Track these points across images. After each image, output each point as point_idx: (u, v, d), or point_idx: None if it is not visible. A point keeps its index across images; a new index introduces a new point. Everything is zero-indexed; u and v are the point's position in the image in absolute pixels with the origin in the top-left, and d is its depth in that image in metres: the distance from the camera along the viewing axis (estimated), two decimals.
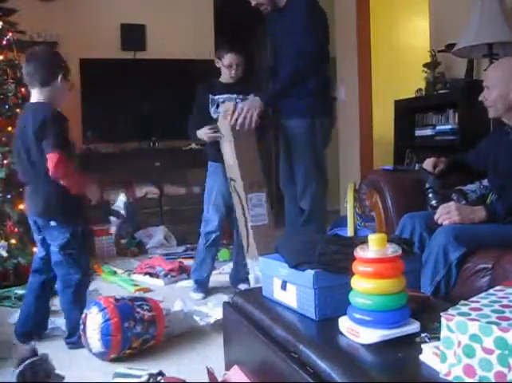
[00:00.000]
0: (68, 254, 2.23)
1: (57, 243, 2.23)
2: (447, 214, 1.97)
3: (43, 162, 2.14)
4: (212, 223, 2.97)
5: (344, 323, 1.28)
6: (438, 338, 1.07)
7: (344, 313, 1.29)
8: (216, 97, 2.96)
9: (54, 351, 2.25)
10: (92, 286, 2.86)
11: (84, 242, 2.32)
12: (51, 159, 2.12)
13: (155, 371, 1.82)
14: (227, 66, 2.95)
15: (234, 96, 2.95)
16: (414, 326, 1.24)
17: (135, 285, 3.17)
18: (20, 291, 2.83)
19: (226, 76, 2.99)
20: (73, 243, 2.23)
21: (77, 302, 2.25)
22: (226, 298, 2.30)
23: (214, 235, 2.99)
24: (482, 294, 1.14)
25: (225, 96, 2.95)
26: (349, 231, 1.67)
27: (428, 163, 2.33)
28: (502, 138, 2.19)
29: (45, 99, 2.27)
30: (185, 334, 2.38)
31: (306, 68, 2.74)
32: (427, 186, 2.21)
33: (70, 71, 2.41)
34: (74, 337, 2.24)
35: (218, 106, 2.95)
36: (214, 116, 2.94)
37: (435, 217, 2.01)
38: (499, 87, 2.08)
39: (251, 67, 6.23)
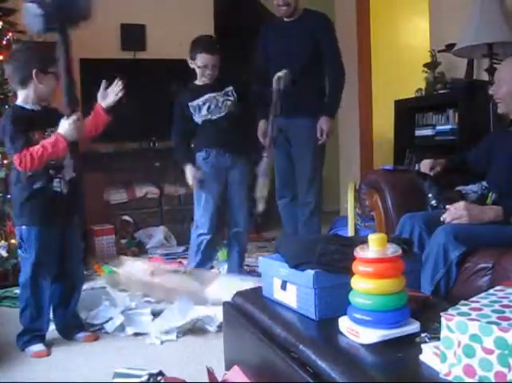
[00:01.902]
0: (20, 255, 2.28)
1: None
2: (455, 213, 1.97)
3: None
4: (203, 226, 2.97)
5: (344, 323, 1.28)
6: (438, 338, 1.07)
7: (344, 313, 1.29)
8: (195, 103, 2.93)
9: (54, 351, 2.26)
10: (96, 284, 2.88)
11: (30, 247, 2.21)
12: (15, 162, 2.13)
13: (155, 371, 1.82)
14: (202, 67, 2.89)
15: (214, 94, 2.92)
16: (414, 326, 1.24)
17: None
18: (20, 291, 2.82)
19: (202, 78, 2.94)
20: (22, 245, 2.23)
21: (21, 301, 2.28)
22: None
23: (204, 239, 2.99)
24: (482, 294, 1.14)
25: (204, 97, 2.92)
26: (350, 231, 1.68)
27: (425, 165, 2.32)
28: (506, 140, 2.19)
29: (24, 100, 2.24)
30: (185, 334, 2.38)
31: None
32: (425, 192, 2.21)
33: (52, 61, 2.25)
34: (24, 337, 2.25)
35: (200, 110, 2.92)
36: (199, 120, 2.93)
37: (443, 217, 2.00)
38: (508, 83, 2.10)
39: (249, 67, 6.26)
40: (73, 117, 2.15)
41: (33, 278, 2.22)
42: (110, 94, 2.41)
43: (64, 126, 2.16)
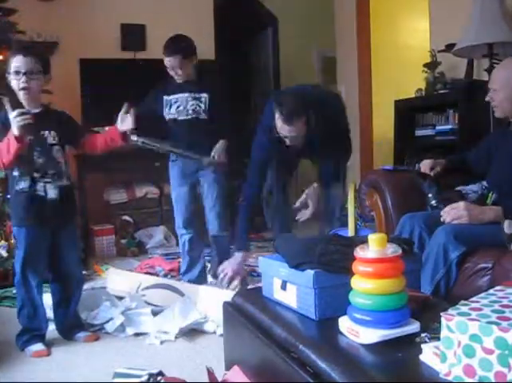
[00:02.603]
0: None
1: None
2: (455, 214, 1.97)
3: None
4: (179, 226, 3.03)
5: (344, 323, 1.28)
6: (438, 338, 1.07)
7: (344, 313, 1.29)
8: (170, 98, 2.94)
9: (54, 351, 2.26)
10: (96, 284, 2.88)
11: (20, 244, 2.25)
12: None
13: (155, 371, 1.82)
14: (167, 67, 2.88)
15: (186, 95, 2.90)
16: (414, 326, 1.24)
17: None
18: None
19: (175, 78, 2.91)
20: (16, 244, 2.29)
21: (19, 300, 2.30)
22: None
23: (185, 238, 3.04)
24: (482, 294, 1.14)
25: (177, 96, 2.91)
26: (350, 231, 1.67)
27: (425, 165, 2.32)
28: (506, 138, 2.19)
29: None
30: (185, 334, 2.38)
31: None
32: (425, 192, 2.21)
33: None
34: (23, 337, 2.26)
35: (170, 107, 2.93)
36: (167, 117, 2.93)
37: (443, 217, 2.00)
38: (505, 89, 2.09)
39: (249, 67, 6.26)
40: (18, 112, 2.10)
41: (22, 276, 2.26)
42: (129, 120, 2.42)
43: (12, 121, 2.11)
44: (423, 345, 1.13)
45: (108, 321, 2.47)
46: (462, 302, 1.08)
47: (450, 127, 3.30)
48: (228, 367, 1.74)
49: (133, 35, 4.48)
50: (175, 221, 3.13)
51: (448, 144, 3.27)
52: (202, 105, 2.90)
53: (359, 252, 1.23)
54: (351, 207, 1.68)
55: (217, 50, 4.77)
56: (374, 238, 1.22)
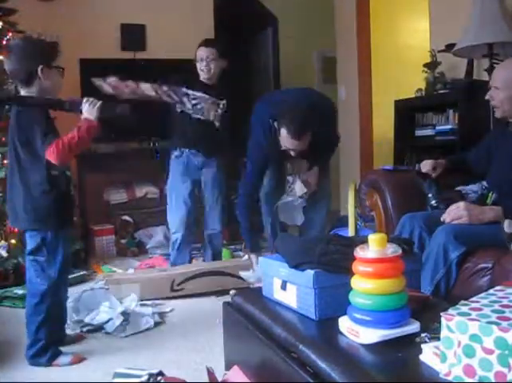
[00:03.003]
0: (36, 261, 2.07)
1: (28, 248, 2.10)
2: (455, 214, 1.97)
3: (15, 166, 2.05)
4: (174, 225, 3.03)
5: (344, 323, 1.28)
6: (438, 338, 1.07)
7: (344, 313, 1.29)
8: (190, 92, 2.91)
9: None
10: (96, 284, 2.87)
11: (56, 249, 2.08)
12: (50, 156, 2.01)
13: (155, 371, 1.82)
14: (199, 60, 2.97)
15: (207, 97, 2.92)
16: (414, 326, 1.24)
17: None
18: (20, 291, 2.82)
19: (201, 74, 2.99)
20: (43, 250, 2.07)
21: (38, 313, 2.07)
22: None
23: (177, 237, 3.05)
24: (482, 294, 1.14)
25: (198, 94, 2.91)
26: (350, 231, 1.67)
27: (427, 166, 2.32)
28: (506, 140, 2.18)
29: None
30: (185, 334, 2.38)
31: None
32: (425, 192, 2.21)
33: (57, 54, 2.12)
34: (33, 350, 2.08)
35: (188, 101, 2.90)
36: (180, 109, 2.93)
37: (443, 217, 2.00)
38: (506, 89, 2.08)
39: (249, 67, 6.26)
40: (89, 99, 2.16)
41: (56, 285, 2.10)
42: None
43: (88, 108, 2.16)
44: (423, 345, 1.13)
45: (107, 321, 2.47)
46: (462, 302, 1.08)
47: (450, 127, 3.30)
48: (228, 367, 1.74)
49: (133, 35, 4.48)
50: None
51: (448, 144, 3.27)
52: (220, 111, 2.93)
53: (359, 252, 1.23)
54: (351, 207, 1.68)
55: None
56: (374, 238, 1.22)
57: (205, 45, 2.99)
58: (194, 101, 2.91)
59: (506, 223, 1.81)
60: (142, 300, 2.76)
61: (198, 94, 2.91)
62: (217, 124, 2.94)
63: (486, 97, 2.18)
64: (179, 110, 2.95)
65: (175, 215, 3.05)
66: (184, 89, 2.91)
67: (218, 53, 2.99)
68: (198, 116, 2.93)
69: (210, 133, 2.97)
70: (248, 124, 3.44)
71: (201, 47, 3.00)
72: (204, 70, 2.97)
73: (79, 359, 2.13)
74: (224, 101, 2.92)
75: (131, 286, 2.86)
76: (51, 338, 2.10)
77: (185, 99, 2.92)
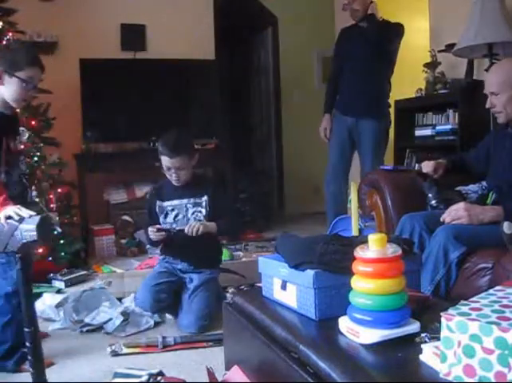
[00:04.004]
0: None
1: None
2: (455, 214, 1.97)
3: None
4: (143, 304, 2.54)
5: (344, 323, 1.28)
6: (438, 338, 1.07)
7: (344, 313, 1.29)
8: (165, 205, 2.57)
9: (54, 351, 2.26)
10: (96, 285, 2.87)
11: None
12: None
13: (155, 371, 1.82)
14: (166, 170, 2.50)
15: (184, 201, 2.55)
16: (414, 326, 1.24)
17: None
18: None
19: (172, 181, 2.54)
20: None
21: (3, 314, 2.02)
22: None
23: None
24: (482, 294, 1.13)
25: (173, 203, 2.56)
26: (354, 231, 1.67)
27: (428, 166, 2.32)
28: (506, 140, 2.18)
29: None
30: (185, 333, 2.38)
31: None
32: (425, 192, 2.21)
33: (21, 66, 2.00)
34: (14, 356, 2.02)
35: (166, 215, 2.57)
36: (164, 226, 2.53)
37: (443, 217, 2.00)
38: (505, 91, 2.05)
39: (249, 67, 6.26)
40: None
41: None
42: None
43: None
44: (423, 345, 1.13)
45: (107, 321, 2.47)
46: (462, 301, 1.08)
47: (450, 127, 3.31)
48: (228, 367, 1.74)
49: (133, 35, 4.48)
50: None
51: (448, 144, 3.27)
52: (204, 211, 2.55)
53: (359, 252, 1.23)
54: (354, 207, 1.68)
55: (217, 50, 4.77)
56: (374, 238, 1.22)
57: (171, 155, 2.44)
58: (172, 213, 2.57)
59: (506, 224, 1.81)
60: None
61: (174, 203, 2.56)
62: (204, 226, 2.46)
63: (487, 106, 2.13)
64: (164, 226, 2.56)
65: (146, 298, 2.54)
66: (159, 203, 2.58)
67: (188, 156, 2.48)
68: (181, 227, 2.51)
69: (200, 242, 2.47)
70: (248, 124, 3.45)
71: (163, 157, 2.47)
72: (173, 180, 2.51)
73: (48, 363, 2.02)
74: (205, 197, 2.54)
75: (134, 279, 2.87)
76: (18, 340, 1.97)
77: (163, 214, 2.58)
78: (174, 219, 2.57)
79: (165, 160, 2.47)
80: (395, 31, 3.44)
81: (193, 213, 2.56)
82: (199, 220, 2.52)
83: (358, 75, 3.44)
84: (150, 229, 2.48)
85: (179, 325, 2.47)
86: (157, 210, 2.58)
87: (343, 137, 3.56)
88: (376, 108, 3.48)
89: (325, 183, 3.69)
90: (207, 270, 2.57)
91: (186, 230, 2.41)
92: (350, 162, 3.66)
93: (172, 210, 2.57)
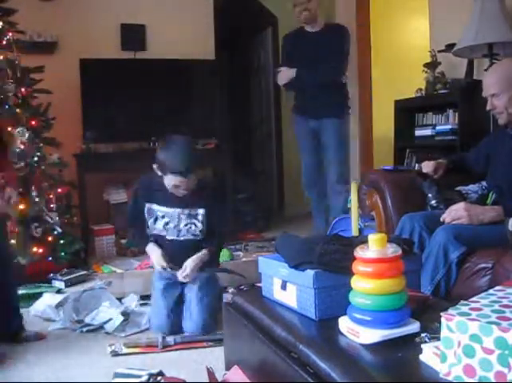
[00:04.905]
0: None
1: None
2: (455, 214, 1.97)
3: None
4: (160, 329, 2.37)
5: (344, 323, 1.28)
6: (438, 338, 1.07)
7: (344, 313, 1.29)
8: (155, 208, 2.40)
9: (54, 351, 2.26)
10: (96, 285, 2.87)
11: None
12: None
13: (155, 371, 1.82)
14: (172, 187, 2.32)
15: (178, 211, 2.38)
16: (414, 326, 1.24)
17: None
18: (20, 291, 2.82)
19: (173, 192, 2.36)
20: None
21: None
22: None
23: None
24: (483, 294, 1.14)
25: (166, 209, 2.39)
26: (354, 232, 1.67)
27: (429, 167, 2.32)
28: (505, 140, 2.18)
29: None
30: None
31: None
32: (425, 192, 2.21)
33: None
34: None
35: (156, 220, 2.41)
36: (152, 232, 2.43)
37: (443, 217, 2.00)
38: (505, 91, 2.03)
39: (249, 67, 6.26)
40: None
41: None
42: None
43: None
44: (423, 345, 1.13)
45: (107, 322, 2.47)
46: (462, 301, 1.08)
47: (450, 127, 3.30)
48: (228, 367, 1.74)
49: (133, 35, 4.48)
50: None
51: (448, 144, 3.27)
52: (199, 225, 2.41)
53: (359, 252, 1.23)
54: (354, 207, 1.68)
55: (217, 50, 4.76)
56: (374, 238, 1.22)
57: (181, 175, 2.26)
58: (162, 220, 2.40)
59: (511, 222, 1.81)
60: (143, 297, 2.77)
61: (166, 210, 2.40)
62: (201, 237, 2.44)
63: (488, 108, 2.11)
64: (151, 232, 2.45)
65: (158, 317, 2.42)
66: (148, 205, 2.41)
67: (197, 173, 2.34)
68: (174, 238, 2.43)
69: (190, 251, 2.43)
70: (248, 124, 3.45)
71: (172, 175, 2.28)
72: (179, 193, 2.35)
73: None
74: (202, 210, 2.40)
75: (134, 279, 2.87)
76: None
77: (152, 217, 2.43)
78: (164, 226, 2.40)
79: (174, 179, 2.26)
80: (340, 33, 3.54)
81: (186, 225, 2.40)
82: (193, 234, 2.41)
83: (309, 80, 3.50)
84: (157, 269, 2.42)
85: (183, 328, 2.39)
86: (145, 211, 2.42)
87: (310, 139, 3.66)
88: (335, 106, 3.57)
89: (307, 189, 3.77)
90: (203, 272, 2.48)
91: (179, 277, 2.38)
92: (322, 163, 3.70)
93: (163, 216, 2.40)
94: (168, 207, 2.39)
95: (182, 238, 2.43)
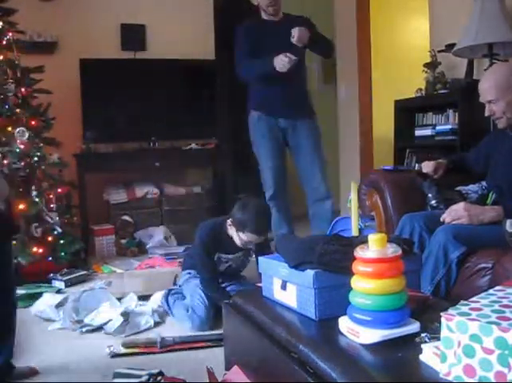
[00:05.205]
0: None
1: None
2: (455, 214, 1.97)
3: None
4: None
5: (344, 323, 1.28)
6: (438, 338, 1.07)
7: (344, 313, 1.29)
8: (223, 257, 2.66)
9: (54, 351, 2.26)
10: (96, 285, 2.87)
11: None
12: None
13: (155, 371, 1.82)
14: (244, 243, 2.56)
15: (239, 254, 2.67)
16: (414, 326, 1.24)
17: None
18: (20, 291, 2.83)
19: (236, 239, 2.58)
20: None
21: None
22: None
23: None
24: (482, 294, 1.13)
25: (231, 256, 2.66)
26: (354, 232, 1.67)
27: (429, 167, 2.32)
28: (505, 141, 2.18)
29: None
30: (185, 333, 2.38)
31: None
32: (425, 192, 2.21)
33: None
34: None
35: (220, 264, 2.65)
36: (221, 267, 2.66)
37: (443, 217, 2.00)
38: (502, 97, 2.03)
39: None
40: None
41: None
42: None
43: None
44: (423, 345, 1.13)
45: (107, 322, 2.47)
46: (462, 301, 1.08)
47: (450, 127, 3.30)
48: (228, 367, 1.74)
49: (133, 35, 4.48)
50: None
51: (448, 144, 3.27)
52: (253, 255, 2.73)
53: (359, 252, 1.23)
54: (354, 207, 1.68)
55: (217, 50, 4.76)
56: (374, 238, 1.22)
57: (258, 236, 2.53)
58: (226, 264, 2.69)
59: (508, 222, 1.81)
60: (143, 297, 2.77)
61: (229, 256, 2.66)
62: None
63: (487, 114, 2.11)
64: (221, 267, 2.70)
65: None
66: (218, 253, 2.64)
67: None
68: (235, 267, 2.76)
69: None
70: (247, 124, 3.44)
71: (250, 234, 2.50)
72: (245, 245, 2.61)
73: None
74: (252, 247, 2.65)
75: (134, 280, 2.87)
76: None
77: (219, 262, 2.67)
78: (226, 268, 2.69)
79: (251, 237, 2.51)
80: (307, 23, 3.23)
81: (242, 260, 2.74)
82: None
83: (277, 73, 3.05)
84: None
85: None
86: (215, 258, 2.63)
87: (279, 140, 3.27)
88: (307, 106, 3.34)
89: (276, 199, 3.30)
90: None
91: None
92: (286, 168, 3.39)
93: (226, 261, 2.67)
94: (233, 255, 2.66)
95: (235, 266, 2.74)
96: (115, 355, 2.17)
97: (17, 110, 3.33)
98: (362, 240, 1.32)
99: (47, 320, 2.63)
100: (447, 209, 2.03)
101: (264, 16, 3.31)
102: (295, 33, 3.00)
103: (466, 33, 2.98)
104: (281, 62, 2.95)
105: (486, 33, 2.90)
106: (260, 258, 1.72)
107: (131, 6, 4.47)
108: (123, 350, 2.20)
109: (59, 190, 3.54)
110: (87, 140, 4.03)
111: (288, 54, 2.95)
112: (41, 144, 3.45)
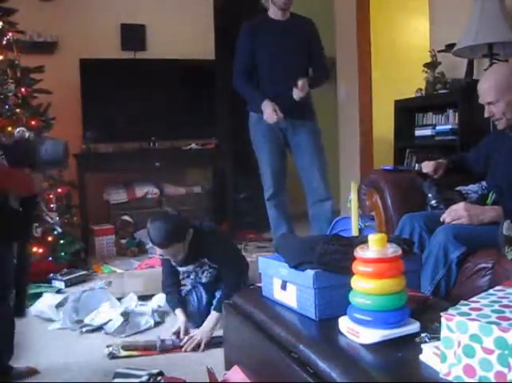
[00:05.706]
0: None
1: None
2: (455, 214, 1.97)
3: None
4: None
5: (344, 323, 1.28)
6: (438, 338, 1.07)
7: (344, 313, 1.29)
8: (179, 269, 2.66)
9: (54, 351, 2.26)
10: (96, 285, 2.88)
11: None
12: None
13: (155, 371, 1.82)
14: (160, 256, 2.60)
15: (192, 267, 2.60)
16: (414, 326, 1.24)
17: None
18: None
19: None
20: None
21: None
22: None
23: None
24: (482, 294, 1.13)
25: (185, 269, 2.64)
26: (354, 232, 1.67)
27: (429, 167, 2.32)
28: (505, 141, 2.18)
29: None
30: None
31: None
32: (425, 192, 2.21)
33: None
34: None
35: (182, 276, 2.68)
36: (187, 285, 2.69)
37: (443, 217, 2.00)
38: (501, 98, 2.03)
39: None
40: None
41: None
42: None
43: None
44: (423, 345, 1.13)
45: (107, 322, 2.47)
46: (462, 301, 1.08)
47: (450, 127, 3.30)
48: (228, 367, 1.74)
49: (133, 35, 4.48)
50: None
51: (448, 144, 3.27)
52: (211, 269, 2.62)
53: (359, 252, 1.23)
54: (354, 207, 1.68)
55: (217, 50, 4.76)
56: (374, 238, 1.22)
57: (160, 248, 2.47)
58: (190, 277, 2.67)
59: (506, 224, 1.81)
60: (143, 297, 2.77)
61: (184, 269, 2.64)
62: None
63: (486, 115, 2.11)
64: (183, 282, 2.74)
65: None
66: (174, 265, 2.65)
67: (177, 244, 2.45)
68: (205, 281, 2.68)
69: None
70: (247, 124, 3.44)
71: (155, 247, 2.53)
72: (172, 262, 2.60)
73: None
74: (205, 259, 2.58)
75: (134, 280, 2.86)
76: None
77: (184, 276, 2.71)
78: (190, 281, 2.68)
79: (158, 250, 2.50)
80: (313, 26, 3.35)
81: (203, 272, 2.63)
82: (212, 276, 2.63)
83: (282, 72, 3.13)
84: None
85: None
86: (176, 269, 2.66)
87: (279, 141, 3.29)
88: (308, 107, 3.31)
89: (275, 198, 3.33)
90: None
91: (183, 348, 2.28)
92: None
93: (184, 273, 2.66)
94: (184, 267, 2.62)
95: (205, 281, 2.64)
96: (114, 357, 2.17)
97: (17, 110, 3.33)
98: (362, 240, 1.32)
99: (47, 320, 2.63)
100: (446, 209, 2.03)
101: (271, 14, 3.30)
102: (299, 85, 3.06)
103: (466, 33, 2.98)
104: (270, 116, 3.08)
105: (486, 33, 2.90)
106: (260, 258, 1.72)
107: (131, 6, 4.47)
108: (122, 353, 2.19)
109: (59, 190, 3.54)
110: (87, 140, 4.02)
111: (279, 112, 3.04)
112: None
